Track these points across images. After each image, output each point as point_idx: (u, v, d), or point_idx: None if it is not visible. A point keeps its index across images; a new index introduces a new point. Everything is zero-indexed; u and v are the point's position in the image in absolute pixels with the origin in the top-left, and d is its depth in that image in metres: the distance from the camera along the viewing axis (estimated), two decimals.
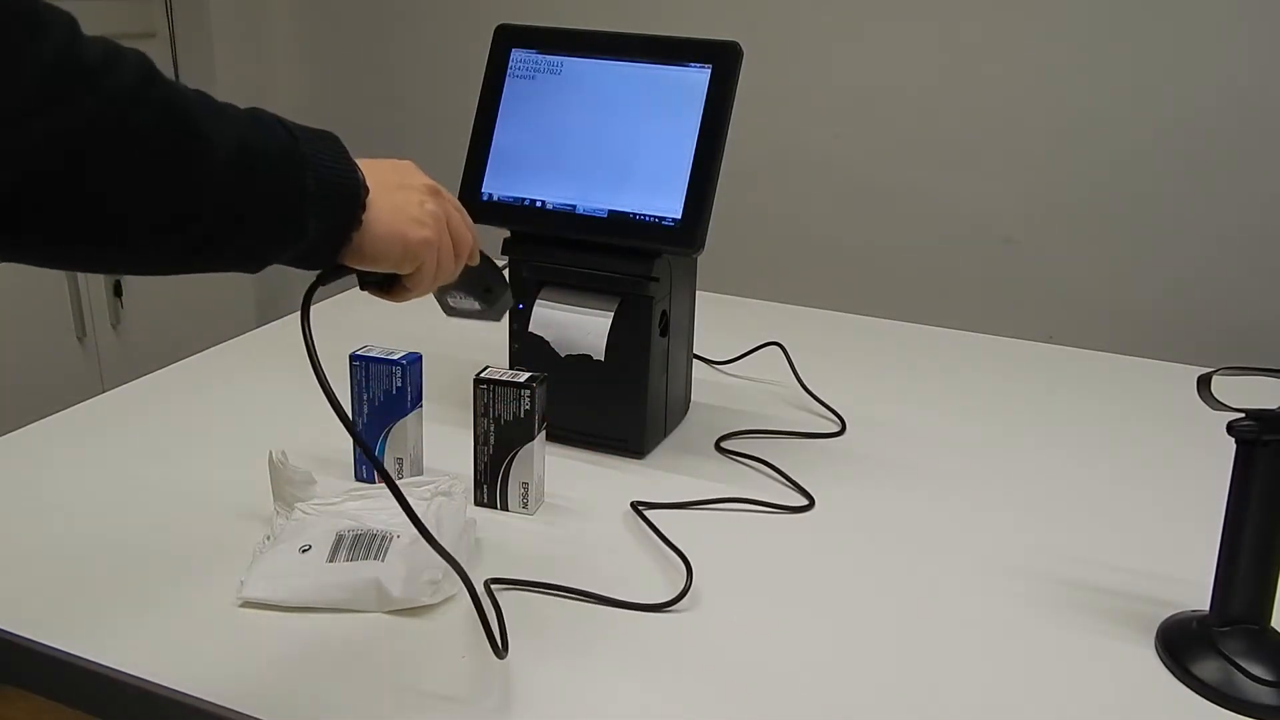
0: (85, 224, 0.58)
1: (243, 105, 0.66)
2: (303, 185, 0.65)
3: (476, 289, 0.91)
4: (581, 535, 0.99)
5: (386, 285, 0.77)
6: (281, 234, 0.65)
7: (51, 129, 0.54)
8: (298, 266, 0.70)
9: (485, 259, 0.89)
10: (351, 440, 1.06)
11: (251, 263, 0.66)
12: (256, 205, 0.63)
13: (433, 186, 0.77)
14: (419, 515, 0.76)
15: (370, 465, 1.06)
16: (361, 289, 0.78)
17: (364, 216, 0.70)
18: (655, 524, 1.00)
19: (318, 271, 0.73)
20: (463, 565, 0.90)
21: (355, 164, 0.70)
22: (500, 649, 0.78)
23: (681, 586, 0.89)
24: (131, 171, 0.57)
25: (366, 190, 0.70)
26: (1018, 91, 2.36)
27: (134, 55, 0.58)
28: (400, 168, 0.76)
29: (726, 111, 1.06)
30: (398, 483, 1.01)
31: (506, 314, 0.96)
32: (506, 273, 1.15)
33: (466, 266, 0.83)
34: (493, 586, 0.88)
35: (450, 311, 0.95)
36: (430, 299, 0.96)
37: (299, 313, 0.74)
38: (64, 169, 0.55)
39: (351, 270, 0.74)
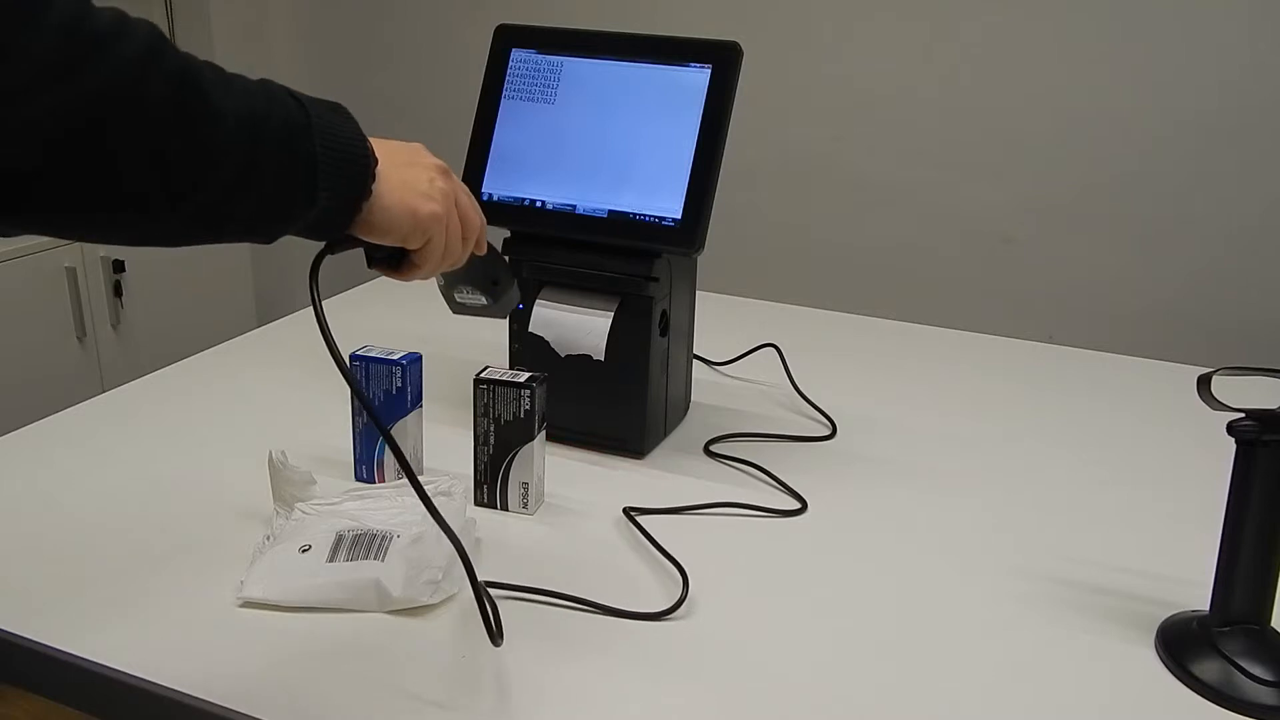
0: (98, 193, 0.58)
1: None
2: (312, 155, 0.65)
3: (483, 281, 0.91)
4: (580, 537, 0.99)
5: (394, 262, 0.77)
6: (292, 203, 0.66)
7: (62, 101, 0.54)
8: (308, 236, 0.70)
9: (493, 250, 0.89)
10: (352, 439, 1.06)
11: (261, 233, 0.66)
12: (266, 174, 0.63)
13: (442, 166, 0.78)
14: (427, 511, 0.76)
15: (369, 466, 1.06)
16: (370, 266, 0.78)
17: (374, 188, 0.70)
18: (651, 528, 1.00)
19: (325, 242, 0.73)
20: (461, 566, 0.90)
21: (364, 135, 0.70)
22: (496, 636, 0.78)
23: (678, 596, 0.89)
24: (143, 140, 0.57)
25: (376, 161, 0.70)
26: (1018, 92, 2.36)
27: (144, 25, 0.58)
28: (410, 147, 0.77)
29: (726, 111, 1.06)
30: (405, 479, 1.02)
31: (509, 311, 0.97)
32: None
33: (473, 256, 0.83)
34: (489, 589, 0.87)
35: (456, 307, 0.95)
36: (438, 300, 0.96)
37: (309, 281, 0.74)
38: (76, 139, 0.55)
39: (360, 243, 0.74)
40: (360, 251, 0.77)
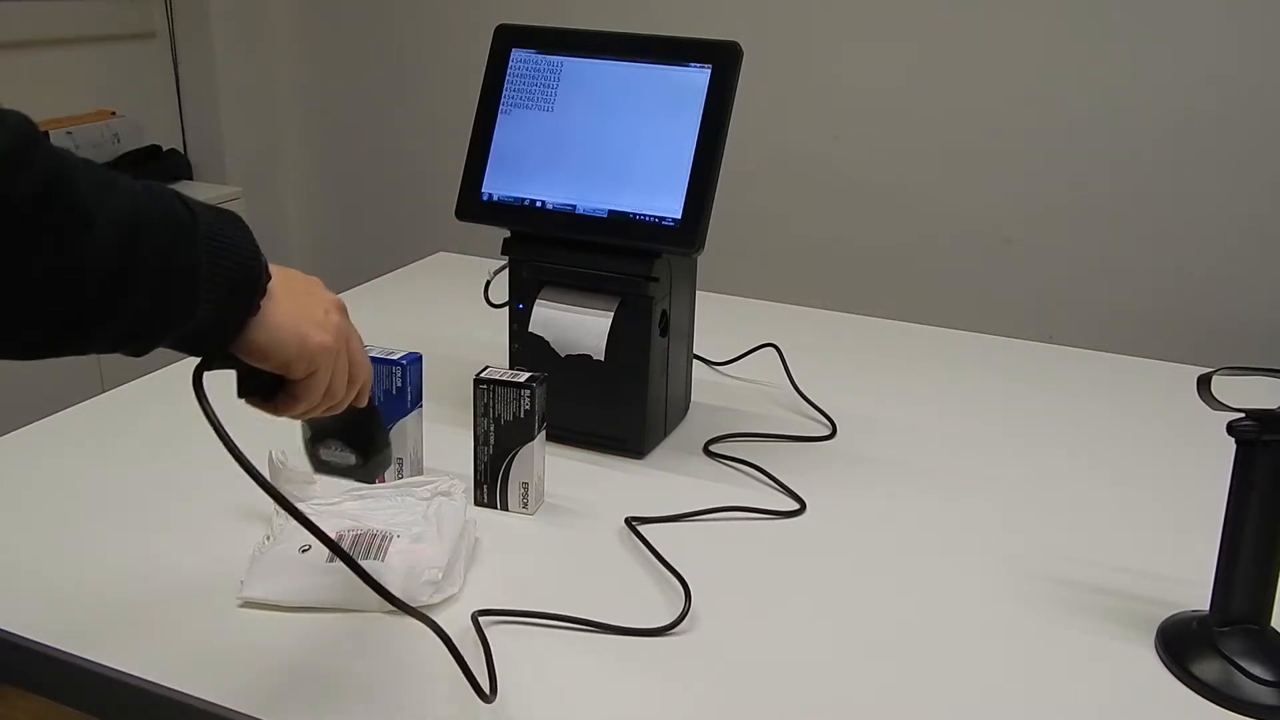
0: None
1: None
2: (195, 262, 0.61)
3: (358, 438, 0.84)
4: (581, 543, 0.99)
5: (269, 392, 0.72)
6: (166, 314, 0.61)
7: None
8: (185, 351, 0.66)
9: (373, 406, 0.83)
10: None
11: (135, 344, 0.61)
12: (141, 281, 0.58)
13: (340, 303, 0.74)
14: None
15: None
16: (240, 394, 0.72)
17: (262, 305, 0.66)
18: (651, 534, 1.00)
19: (200, 358, 0.69)
20: (460, 566, 0.90)
21: (258, 249, 0.66)
22: (487, 693, 0.74)
23: (680, 607, 0.88)
24: (5, 242, 0.52)
25: (268, 277, 0.67)
26: (1017, 92, 2.36)
27: (14, 118, 0.54)
28: (309, 279, 0.73)
29: (726, 111, 1.06)
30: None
31: (377, 476, 0.89)
32: (507, 272, 1.16)
33: (352, 407, 0.78)
34: (481, 620, 0.84)
35: (319, 466, 0.86)
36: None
37: (194, 393, 0.68)
38: None
39: (237, 364, 0.69)
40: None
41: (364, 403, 0.79)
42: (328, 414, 0.76)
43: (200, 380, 0.69)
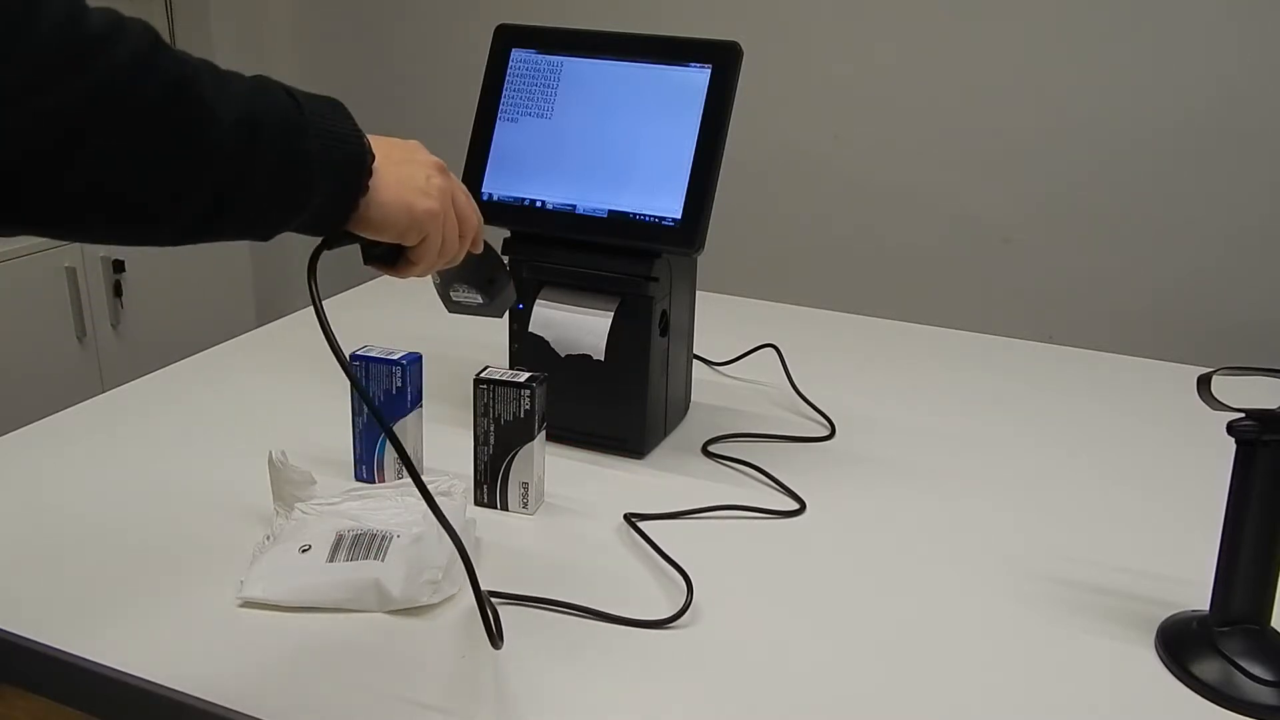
0: (90, 197, 0.57)
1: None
2: (307, 152, 0.65)
3: (480, 279, 0.91)
4: (581, 540, 0.99)
5: (390, 259, 0.77)
6: (288, 200, 0.65)
7: (56, 103, 0.53)
8: (305, 233, 0.70)
9: (489, 249, 0.89)
10: (352, 439, 1.06)
11: (260, 230, 0.66)
12: (262, 173, 0.63)
13: (439, 164, 0.78)
14: (431, 511, 0.76)
15: (369, 466, 1.06)
16: (366, 263, 0.78)
17: (370, 184, 0.70)
18: (650, 532, 1.00)
19: (321, 238, 0.73)
20: (461, 566, 0.90)
21: (361, 131, 0.70)
22: (497, 639, 0.77)
23: (680, 600, 0.89)
24: (137, 143, 0.57)
25: (373, 157, 0.70)
26: (1017, 91, 2.36)
27: (138, 25, 0.58)
28: (407, 144, 0.77)
29: (726, 111, 1.06)
30: (405, 479, 1.01)
31: (507, 311, 0.96)
32: None
33: (470, 254, 0.83)
34: (491, 598, 0.86)
35: (452, 306, 0.94)
36: (438, 300, 0.96)
37: (306, 276, 0.73)
38: (71, 142, 0.55)
39: (357, 239, 0.74)
40: (358, 251, 0.77)
41: (479, 249, 0.84)
42: (449, 265, 0.81)
43: (315, 264, 0.73)
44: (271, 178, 0.63)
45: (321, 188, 0.67)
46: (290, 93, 0.66)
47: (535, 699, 0.77)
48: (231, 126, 0.61)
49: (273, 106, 0.64)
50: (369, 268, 0.78)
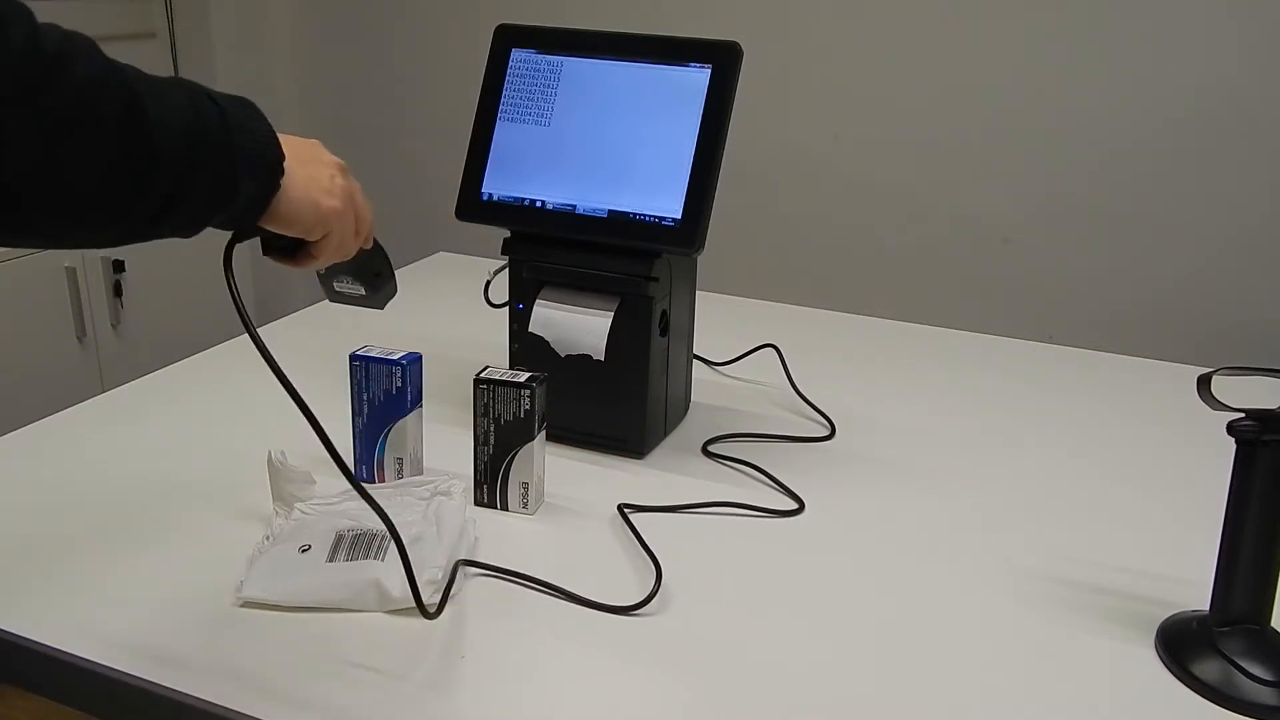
0: (49, 206, 0.60)
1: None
2: (233, 153, 0.69)
3: (366, 273, 0.95)
4: (580, 537, 0.99)
5: (290, 252, 0.82)
6: (219, 201, 0.70)
7: (18, 123, 0.56)
8: (222, 228, 0.74)
9: (377, 244, 0.93)
10: (351, 439, 1.06)
11: (193, 228, 0.70)
12: (200, 177, 0.67)
13: (341, 164, 0.82)
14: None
15: (369, 466, 1.06)
16: (265, 254, 0.82)
17: (281, 182, 0.74)
18: (646, 526, 1.00)
19: (231, 231, 0.77)
20: (447, 560, 0.90)
21: (274, 131, 0.74)
22: (427, 611, 0.81)
23: (658, 591, 0.89)
24: (97, 154, 0.60)
25: (283, 156, 0.74)
26: (1016, 91, 2.36)
27: (83, 42, 0.61)
28: (310, 144, 0.81)
29: (726, 111, 1.06)
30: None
31: (386, 303, 1.00)
32: (507, 272, 1.16)
33: (361, 249, 0.87)
34: (466, 567, 0.90)
35: (334, 296, 0.98)
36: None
37: (223, 269, 0.78)
38: (34, 158, 0.57)
39: (262, 232, 0.78)
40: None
41: (369, 245, 0.89)
42: (342, 259, 0.85)
43: (230, 257, 0.78)
44: (208, 181, 0.68)
45: (246, 187, 0.71)
46: (210, 95, 0.70)
47: (535, 698, 0.77)
48: (176, 134, 0.65)
49: (202, 111, 0.68)
50: (265, 257, 0.82)
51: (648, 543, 0.97)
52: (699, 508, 1.04)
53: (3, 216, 0.60)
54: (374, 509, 0.78)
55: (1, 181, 0.57)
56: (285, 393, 0.76)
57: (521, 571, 0.91)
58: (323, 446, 0.75)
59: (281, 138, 0.75)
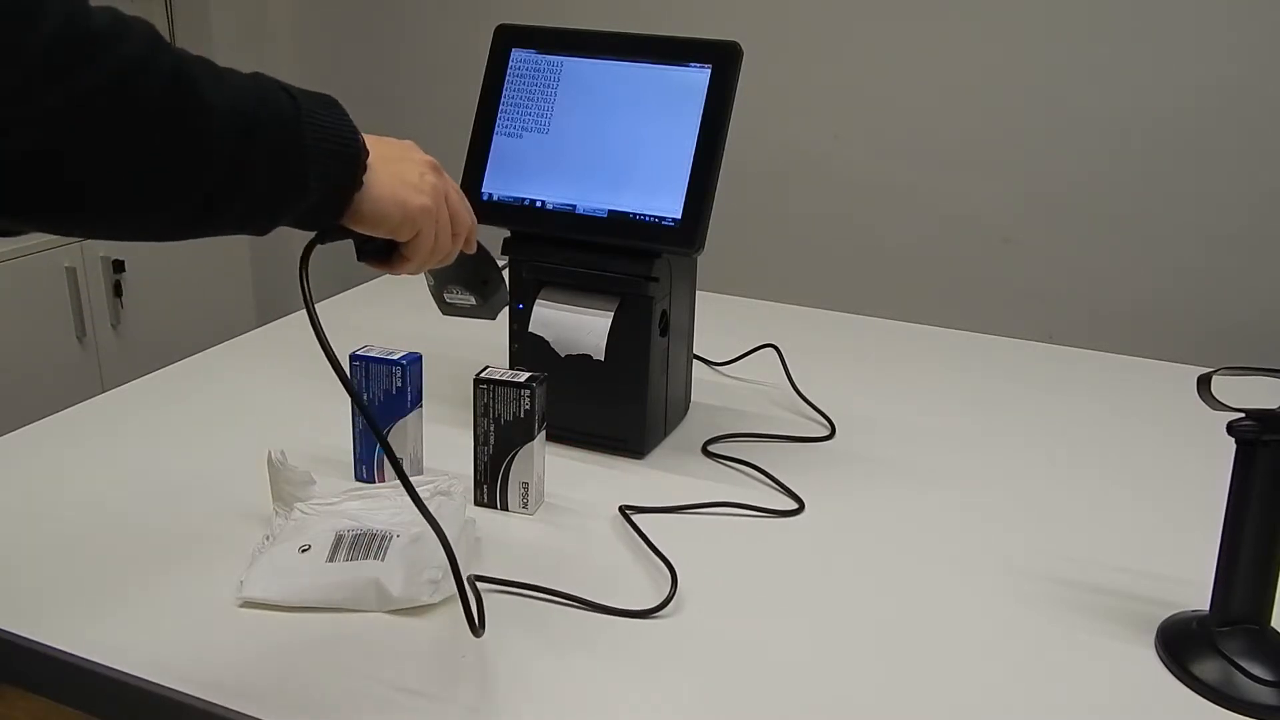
0: (96, 189, 0.58)
1: None
2: (302, 146, 0.66)
3: (473, 281, 0.92)
4: (580, 537, 0.99)
5: (383, 255, 0.78)
6: (284, 195, 0.67)
7: (61, 100, 0.55)
8: (299, 227, 0.71)
9: (483, 250, 0.90)
10: (351, 439, 1.06)
11: (257, 224, 0.67)
12: (259, 168, 0.64)
13: (434, 163, 0.79)
14: (415, 515, 0.76)
15: (369, 466, 1.06)
16: (359, 259, 0.79)
17: (364, 178, 0.71)
18: (647, 528, 1.00)
19: (315, 233, 0.74)
20: (460, 564, 0.90)
21: (355, 127, 0.71)
22: (478, 628, 0.78)
23: (668, 593, 0.89)
24: (139, 138, 0.58)
25: (366, 152, 0.72)
26: (1016, 91, 2.36)
27: (140, 24, 0.59)
28: (402, 144, 0.78)
29: (726, 111, 1.06)
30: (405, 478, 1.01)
31: (504, 311, 0.97)
32: (506, 273, 1.16)
33: (463, 254, 0.84)
34: (478, 583, 0.88)
35: (446, 308, 0.95)
36: (430, 304, 0.96)
37: (298, 271, 0.74)
38: (74, 138, 0.56)
39: (351, 234, 0.75)
40: (354, 252, 0.78)
41: (472, 249, 0.85)
42: (441, 264, 0.81)
43: (307, 259, 0.74)
44: (269, 172, 0.65)
45: (317, 183, 0.68)
46: (287, 89, 0.68)
47: (534, 698, 0.77)
48: (229, 121, 0.62)
49: (269, 102, 0.65)
50: (364, 264, 0.79)
51: (650, 541, 0.97)
52: (699, 508, 1.04)
53: (49, 197, 0.58)
54: (426, 517, 0.77)
55: (41, 168, 0.56)
56: (344, 392, 0.73)
57: (530, 582, 0.90)
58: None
59: (369, 137, 0.73)
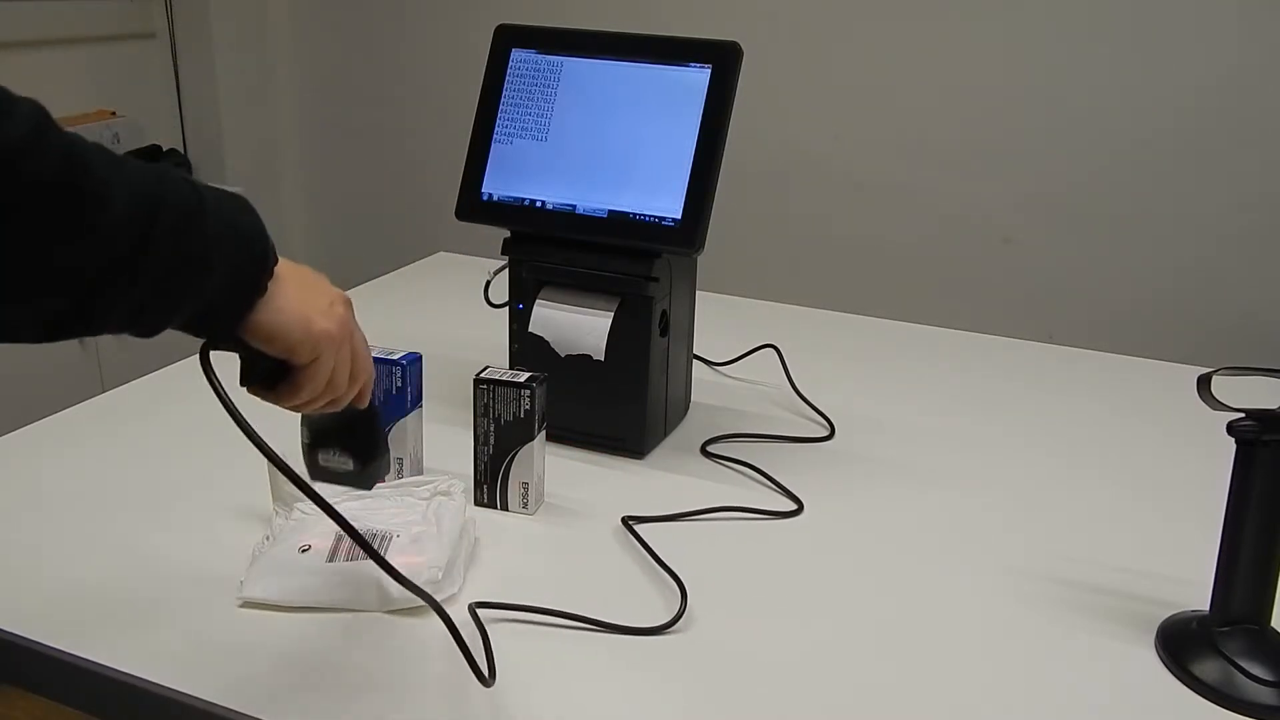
0: None
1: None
2: (204, 244, 0.61)
3: (357, 440, 0.82)
4: (579, 543, 0.99)
5: (272, 380, 0.72)
6: (179, 292, 0.61)
7: None
8: (193, 333, 0.66)
9: (374, 409, 0.82)
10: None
11: (144, 323, 0.62)
12: (153, 261, 0.59)
13: (346, 298, 0.74)
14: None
15: None
16: (242, 382, 0.72)
17: (270, 288, 0.67)
18: (649, 533, 1.00)
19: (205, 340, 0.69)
20: (460, 566, 0.90)
21: (265, 231, 0.67)
22: (486, 677, 0.75)
23: (676, 606, 0.88)
24: (27, 221, 0.54)
25: (275, 260, 0.67)
26: (1016, 91, 2.36)
27: (27, 104, 0.55)
28: (318, 274, 0.73)
29: (726, 111, 1.06)
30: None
31: (373, 485, 0.86)
32: (507, 272, 1.16)
33: (351, 409, 0.78)
34: (479, 611, 0.85)
35: (316, 472, 0.83)
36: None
37: (203, 371, 0.68)
38: None
39: (242, 348, 0.69)
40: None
41: (364, 403, 0.79)
42: (328, 409, 0.75)
43: (207, 357, 0.69)
44: (164, 265, 0.59)
45: (216, 282, 0.63)
46: (192, 184, 0.63)
47: (532, 696, 0.77)
48: (127, 206, 0.57)
49: (171, 191, 0.60)
50: (243, 389, 0.72)
51: (657, 556, 0.96)
52: (699, 514, 1.04)
53: None
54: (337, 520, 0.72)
55: None
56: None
57: (534, 605, 0.88)
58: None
59: (284, 260, 0.68)
